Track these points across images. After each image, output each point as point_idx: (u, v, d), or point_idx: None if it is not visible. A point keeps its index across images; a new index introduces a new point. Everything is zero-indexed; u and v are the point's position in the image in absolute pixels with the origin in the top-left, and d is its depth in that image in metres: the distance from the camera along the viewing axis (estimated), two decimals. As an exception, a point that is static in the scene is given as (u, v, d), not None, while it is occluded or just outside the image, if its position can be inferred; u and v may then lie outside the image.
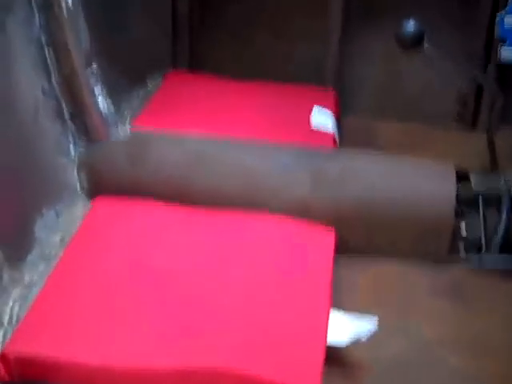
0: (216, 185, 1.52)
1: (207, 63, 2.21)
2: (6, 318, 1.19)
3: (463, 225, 1.56)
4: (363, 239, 1.52)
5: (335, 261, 1.43)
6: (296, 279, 1.32)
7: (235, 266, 1.33)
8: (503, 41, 1.66)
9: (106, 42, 1.70)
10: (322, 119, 1.86)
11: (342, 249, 1.47)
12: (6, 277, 1.24)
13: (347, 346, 1.21)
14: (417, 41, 1.52)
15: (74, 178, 1.52)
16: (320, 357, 1.14)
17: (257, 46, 2.20)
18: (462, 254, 1.55)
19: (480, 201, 1.57)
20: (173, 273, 1.30)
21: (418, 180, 1.54)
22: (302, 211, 1.49)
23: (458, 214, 1.56)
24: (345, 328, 1.23)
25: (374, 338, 1.22)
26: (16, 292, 1.23)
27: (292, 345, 1.16)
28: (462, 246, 1.55)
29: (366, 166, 1.56)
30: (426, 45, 1.52)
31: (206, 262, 1.34)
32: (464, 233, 1.55)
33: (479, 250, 1.54)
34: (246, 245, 1.39)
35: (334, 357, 1.22)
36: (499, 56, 1.75)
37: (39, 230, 1.37)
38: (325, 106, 1.93)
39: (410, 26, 1.51)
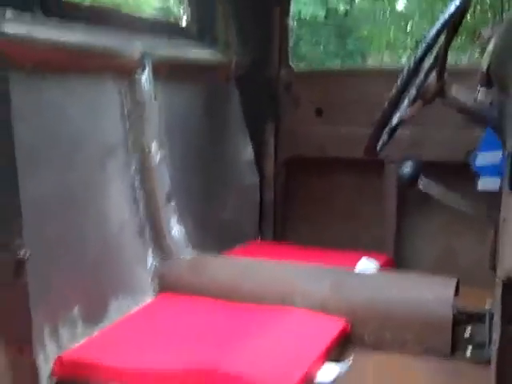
0: (255, 291, 1.90)
1: (288, 237, 2.71)
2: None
3: (469, 328, 1.77)
4: (375, 335, 1.77)
5: (349, 351, 1.70)
6: (303, 336, 1.62)
7: (262, 324, 1.68)
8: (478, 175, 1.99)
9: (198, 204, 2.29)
10: (367, 264, 2.21)
11: (357, 343, 1.75)
12: (79, 329, 1.68)
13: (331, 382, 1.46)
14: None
15: (147, 282, 1.97)
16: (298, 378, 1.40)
17: (330, 226, 2.68)
18: (468, 353, 1.73)
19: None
20: (210, 325, 1.68)
21: (421, 286, 1.82)
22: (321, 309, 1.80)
23: (464, 320, 1.79)
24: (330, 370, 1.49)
25: None
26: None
27: (279, 369, 1.44)
28: (468, 347, 1.74)
29: (376, 276, 1.87)
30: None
31: (240, 322, 1.70)
32: (468, 335, 1.75)
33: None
34: (271, 317, 1.73)
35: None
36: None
37: (113, 309, 1.81)
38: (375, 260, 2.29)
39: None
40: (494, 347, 1.00)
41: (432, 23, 1.71)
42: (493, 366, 1.01)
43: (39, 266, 1.44)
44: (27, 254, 1.34)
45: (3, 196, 1.32)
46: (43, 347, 1.51)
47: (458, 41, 8.89)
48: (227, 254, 2.31)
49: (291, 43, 2.88)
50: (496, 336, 0.99)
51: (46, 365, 1.48)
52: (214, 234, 2.40)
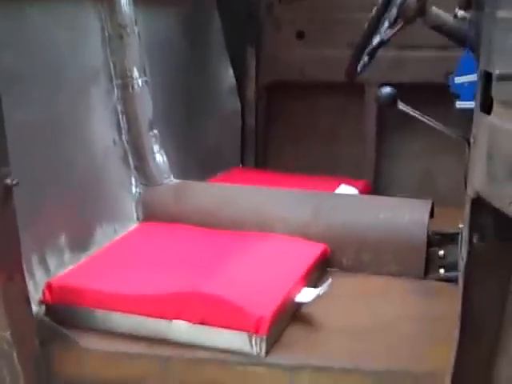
0: (236, 216, 1.95)
1: (270, 162, 2.75)
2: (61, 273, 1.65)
3: (442, 252, 1.85)
4: (353, 258, 1.84)
5: (329, 273, 1.77)
6: (283, 261, 1.69)
7: (243, 250, 1.73)
8: (457, 96, 2.01)
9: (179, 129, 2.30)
10: (346, 190, 2.26)
11: (336, 266, 1.82)
12: (66, 256, 1.72)
13: (310, 302, 1.53)
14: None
15: (132, 209, 2.01)
16: (278, 300, 1.47)
17: (311, 150, 2.72)
18: (441, 272, 1.81)
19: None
20: (192, 252, 1.74)
21: (397, 209, 1.88)
22: (303, 235, 1.86)
23: (438, 241, 1.86)
24: (309, 292, 1.56)
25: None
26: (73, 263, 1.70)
27: (259, 293, 1.51)
28: (441, 267, 1.82)
29: (354, 199, 1.92)
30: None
31: (221, 249, 1.76)
32: (442, 255, 1.83)
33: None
34: (252, 242, 1.79)
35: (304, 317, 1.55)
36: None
37: (98, 236, 1.85)
38: (354, 187, 2.34)
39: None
40: (462, 263, 1.05)
41: None
42: (460, 281, 1.07)
43: (26, 194, 1.46)
44: (14, 182, 1.35)
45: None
46: (32, 275, 1.55)
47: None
48: (209, 181, 2.34)
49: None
50: (464, 252, 1.04)
51: (35, 291, 1.53)
52: (197, 161, 2.42)
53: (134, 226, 1.97)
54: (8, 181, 1.35)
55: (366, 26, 1.84)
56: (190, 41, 2.52)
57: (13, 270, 1.39)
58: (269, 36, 2.73)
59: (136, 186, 2.04)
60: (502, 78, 0.90)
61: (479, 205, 0.98)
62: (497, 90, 0.91)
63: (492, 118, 0.93)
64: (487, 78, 0.94)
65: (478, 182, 0.97)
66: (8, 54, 1.57)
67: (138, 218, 2.01)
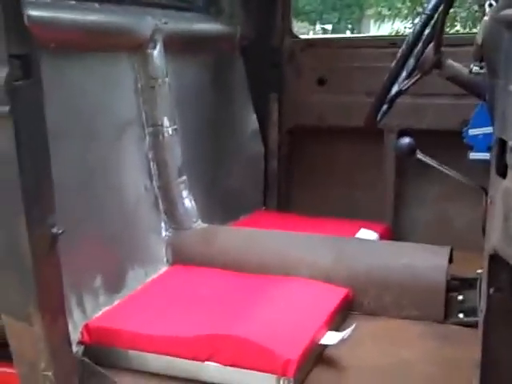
0: (262, 260, 2.03)
1: (291, 204, 2.84)
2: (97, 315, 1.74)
3: (461, 297, 1.92)
4: (374, 302, 1.91)
5: (350, 317, 1.85)
6: (308, 304, 1.77)
7: (269, 293, 1.82)
8: (471, 148, 2.09)
9: (205, 175, 2.40)
10: (366, 234, 2.34)
11: (358, 309, 1.90)
12: (101, 298, 1.81)
13: (334, 344, 1.61)
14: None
15: (162, 252, 2.10)
16: (304, 343, 1.55)
17: (330, 193, 2.81)
18: (460, 317, 1.87)
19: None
20: (220, 295, 1.83)
21: (418, 254, 1.96)
22: (326, 278, 1.94)
23: (457, 286, 1.94)
24: (334, 336, 1.63)
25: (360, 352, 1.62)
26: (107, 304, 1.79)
27: (286, 335, 1.58)
28: (460, 312, 1.89)
29: (376, 244, 2.00)
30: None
31: (248, 292, 1.84)
32: (460, 300, 1.90)
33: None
34: (277, 286, 1.87)
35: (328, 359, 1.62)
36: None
37: (130, 278, 1.94)
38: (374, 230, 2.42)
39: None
40: (481, 314, 1.13)
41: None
42: (480, 330, 1.14)
43: (65, 240, 1.55)
44: (60, 231, 1.45)
45: (38, 174, 1.42)
46: (71, 316, 1.64)
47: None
48: (234, 225, 2.44)
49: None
50: (483, 303, 1.12)
51: (74, 332, 1.62)
52: (221, 204, 2.52)
53: (164, 268, 2.07)
54: (54, 230, 1.45)
55: (386, 77, 1.94)
56: (215, 88, 2.63)
57: (56, 313, 1.48)
58: (291, 82, 2.84)
59: (166, 230, 2.14)
60: (516, 149, 0.98)
61: (497, 261, 1.06)
62: (511, 158, 0.99)
63: (507, 182, 1.02)
64: (502, 144, 1.03)
65: (495, 239, 1.05)
66: (49, 104, 1.68)
67: (167, 261, 2.11)
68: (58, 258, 1.47)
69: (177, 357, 1.56)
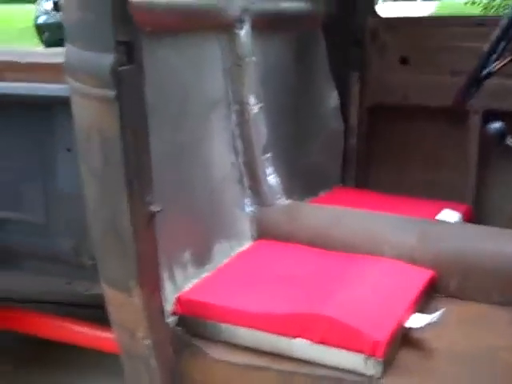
0: (346, 238, 2.06)
1: (369, 182, 2.84)
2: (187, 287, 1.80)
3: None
4: (460, 285, 1.91)
5: (434, 298, 1.85)
6: (394, 285, 1.78)
7: (355, 272, 1.84)
8: None
9: (287, 152, 2.43)
10: (449, 215, 2.33)
11: (442, 292, 1.90)
12: (190, 271, 1.88)
13: (421, 327, 1.62)
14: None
15: (246, 228, 2.15)
16: (392, 324, 1.57)
17: (410, 173, 2.80)
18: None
19: None
20: (307, 271, 1.86)
21: (505, 238, 1.94)
22: (410, 260, 1.95)
23: None
24: (421, 318, 1.65)
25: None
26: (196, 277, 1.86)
27: (374, 316, 1.61)
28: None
29: (461, 227, 1.99)
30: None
31: (334, 270, 1.87)
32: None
33: None
34: (362, 265, 1.89)
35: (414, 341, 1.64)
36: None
37: (216, 252, 2.00)
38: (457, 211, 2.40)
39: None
40: None
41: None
42: None
43: (158, 215, 1.62)
44: (157, 209, 1.52)
45: (138, 154, 1.48)
46: (163, 288, 1.71)
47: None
48: (314, 201, 2.46)
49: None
50: None
51: (167, 304, 1.69)
52: (301, 180, 2.54)
53: (248, 243, 2.12)
54: (152, 207, 1.52)
55: (478, 59, 1.92)
56: (298, 66, 2.64)
57: (153, 285, 1.56)
58: (373, 61, 2.82)
59: (250, 206, 2.19)
60: None
61: None
62: None
63: None
64: None
65: None
66: (146, 89, 1.74)
67: (252, 236, 2.16)
68: (154, 235, 1.54)
69: (267, 332, 1.62)
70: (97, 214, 1.54)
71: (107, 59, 1.39)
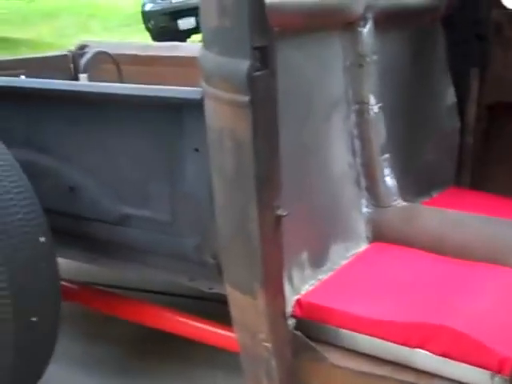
0: (465, 245, 2.00)
1: (485, 184, 2.74)
2: (304, 289, 1.81)
3: None
4: None
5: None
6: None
7: (478, 282, 1.79)
8: None
9: (402, 151, 2.38)
10: None
11: None
12: (307, 272, 1.88)
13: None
14: None
15: (362, 228, 2.13)
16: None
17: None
18: None
19: None
20: (426, 279, 1.83)
21: None
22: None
23: None
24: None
25: None
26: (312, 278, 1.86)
27: (501, 331, 1.56)
28: None
29: None
30: None
31: (455, 279, 1.83)
32: None
33: None
34: (485, 275, 1.83)
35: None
36: None
37: (332, 253, 1.99)
38: None
39: None
40: None
41: None
42: None
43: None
44: (285, 213, 1.52)
45: (269, 160, 1.49)
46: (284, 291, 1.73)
47: None
48: (428, 202, 2.40)
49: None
50: None
51: (287, 307, 1.70)
52: (415, 180, 2.49)
53: (363, 245, 2.10)
54: (279, 212, 1.52)
55: None
56: (416, 62, 2.57)
57: (277, 289, 1.57)
58: (496, 56, 2.70)
59: (366, 207, 2.16)
60: None
61: None
62: None
63: None
64: None
65: None
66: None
67: (367, 238, 2.13)
68: (281, 238, 1.55)
69: (387, 340, 1.60)
70: (225, 216, 1.57)
71: (243, 65, 1.40)
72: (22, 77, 2.97)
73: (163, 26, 11.76)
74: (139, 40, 11.68)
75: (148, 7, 12.12)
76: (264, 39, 1.41)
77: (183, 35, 11.86)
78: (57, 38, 15.40)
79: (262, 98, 1.42)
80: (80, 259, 2.30)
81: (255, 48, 1.39)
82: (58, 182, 2.20)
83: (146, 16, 12.14)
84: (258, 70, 1.41)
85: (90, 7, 18.99)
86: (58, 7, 18.93)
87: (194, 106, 1.71)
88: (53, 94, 2.24)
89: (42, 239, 1.91)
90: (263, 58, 1.41)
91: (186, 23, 11.63)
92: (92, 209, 2.18)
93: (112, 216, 2.14)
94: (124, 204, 2.12)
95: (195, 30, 12.02)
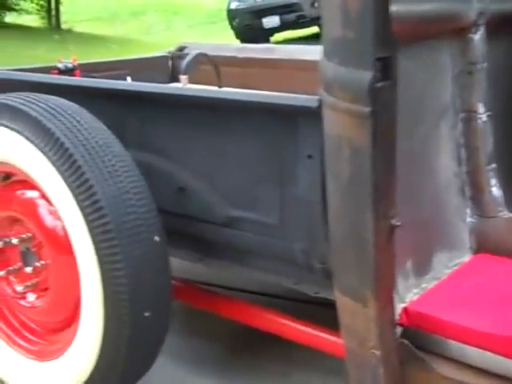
0: None
1: None
2: (408, 297, 1.81)
3: None
4: None
5: None
6: None
7: None
8: None
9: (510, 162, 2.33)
10: None
11: None
12: (411, 280, 1.88)
13: None
14: None
15: (466, 238, 2.11)
16: None
17: None
18: None
19: None
20: None
21: None
22: None
23: None
24: None
25: None
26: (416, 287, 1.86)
27: None
28: None
29: None
30: None
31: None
32: None
33: None
34: None
35: None
36: None
37: (435, 262, 1.98)
38: None
39: None
40: None
41: None
42: None
43: None
44: (398, 223, 1.53)
45: (386, 170, 1.50)
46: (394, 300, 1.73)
47: None
48: None
49: None
50: None
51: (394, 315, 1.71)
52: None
53: (467, 256, 2.07)
54: (393, 221, 1.53)
55: None
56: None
57: (387, 299, 1.58)
58: None
59: (470, 217, 2.14)
60: None
61: None
62: None
63: None
64: None
65: None
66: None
67: (471, 248, 2.11)
68: (394, 248, 1.56)
69: (498, 353, 1.58)
70: (338, 222, 1.59)
71: (365, 76, 1.41)
72: (128, 78, 3.08)
73: (248, 24, 11.90)
74: (223, 38, 11.87)
75: (234, 5, 12.29)
76: (387, 50, 1.42)
77: (267, 33, 11.99)
78: (143, 35, 15.84)
79: (382, 109, 1.44)
80: (186, 258, 2.37)
81: (378, 59, 1.41)
82: (168, 182, 2.28)
83: (232, 14, 12.31)
84: (379, 81, 1.42)
85: (174, 5, 19.43)
86: (145, 4, 19.45)
87: (310, 114, 1.74)
88: (167, 98, 2.32)
89: (157, 238, 1.98)
90: (385, 68, 1.43)
91: (270, 22, 11.73)
92: (200, 210, 2.24)
93: (220, 218, 2.20)
94: (232, 206, 2.17)
95: (279, 29, 12.12)
